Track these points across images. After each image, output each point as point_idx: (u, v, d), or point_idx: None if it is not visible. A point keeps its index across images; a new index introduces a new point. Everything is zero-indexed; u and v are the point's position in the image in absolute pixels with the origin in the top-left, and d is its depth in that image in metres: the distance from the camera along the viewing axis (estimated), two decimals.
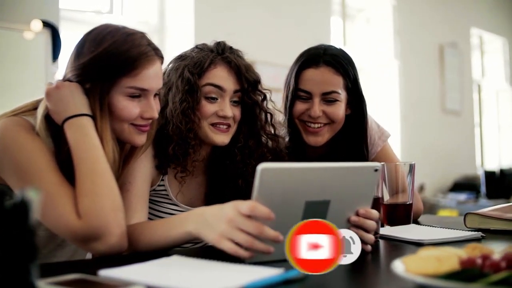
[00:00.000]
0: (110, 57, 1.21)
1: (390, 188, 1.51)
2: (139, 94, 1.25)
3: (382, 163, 1.33)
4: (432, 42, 6.05)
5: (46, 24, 3.32)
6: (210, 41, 1.54)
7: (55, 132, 1.21)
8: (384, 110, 5.75)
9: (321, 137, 1.66)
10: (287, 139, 1.71)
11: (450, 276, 0.72)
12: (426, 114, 5.91)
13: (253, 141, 1.50)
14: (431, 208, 5.55)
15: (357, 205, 1.11)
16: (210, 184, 1.54)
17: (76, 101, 1.20)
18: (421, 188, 5.69)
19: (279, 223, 1.00)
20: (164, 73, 1.49)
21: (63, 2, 3.69)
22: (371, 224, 1.11)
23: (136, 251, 1.17)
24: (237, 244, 0.97)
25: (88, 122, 1.19)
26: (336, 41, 5.23)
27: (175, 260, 0.99)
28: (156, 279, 0.84)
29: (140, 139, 1.30)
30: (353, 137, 1.70)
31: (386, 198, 1.52)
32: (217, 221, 1.00)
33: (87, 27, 4.03)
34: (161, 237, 1.14)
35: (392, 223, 1.49)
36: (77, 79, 1.22)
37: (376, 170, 1.09)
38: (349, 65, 1.66)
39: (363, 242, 1.11)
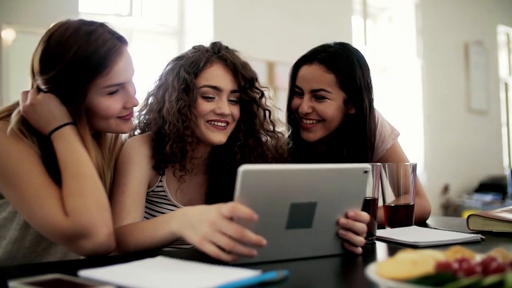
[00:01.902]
0: (78, 65, 1.18)
1: (392, 189, 1.49)
2: (117, 89, 1.25)
3: (379, 163, 1.30)
4: (456, 40, 5.94)
5: None
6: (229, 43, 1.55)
7: (38, 135, 1.21)
8: (407, 110, 5.67)
9: (313, 134, 1.64)
10: (287, 135, 1.71)
11: (420, 280, 0.70)
12: (451, 113, 5.81)
13: (253, 139, 1.50)
14: (456, 209, 5.45)
15: (347, 207, 1.08)
16: (210, 184, 1.53)
17: (55, 113, 1.20)
18: (446, 189, 5.60)
19: (264, 224, 0.99)
20: (161, 74, 1.50)
21: (82, 6, 3.75)
22: (361, 226, 1.09)
23: (126, 252, 1.17)
24: (220, 247, 0.97)
25: (70, 131, 1.20)
26: (357, 41, 5.18)
27: (158, 261, 0.99)
28: (130, 280, 0.84)
29: (128, 126, 1.32)
30: (354, 136, 1.67)
31: (388, 199, 1.49)
32: (199, 223, 0.99)
33: None
34: (148, 238, 1.14)
35: (393, 225, 1.46)
36: (51, 92, 1.21)
37: (365, 172, 1.07)
38: (348, 64, 1.60)
39: (353, 244, 1.10)
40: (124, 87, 1.27)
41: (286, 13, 4.57)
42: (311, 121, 1.63)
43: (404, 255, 0.81)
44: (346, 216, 1.08)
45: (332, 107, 1.61)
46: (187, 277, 0.87)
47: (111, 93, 1.24)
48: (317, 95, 1.61)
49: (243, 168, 0.95)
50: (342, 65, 1.60)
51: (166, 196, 1.47)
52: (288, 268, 0.94)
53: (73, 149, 1.18)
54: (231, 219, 0.97)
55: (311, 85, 1.61)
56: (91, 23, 1.23)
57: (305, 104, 1.61)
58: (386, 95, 5.78)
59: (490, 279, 0.67)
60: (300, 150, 1.69)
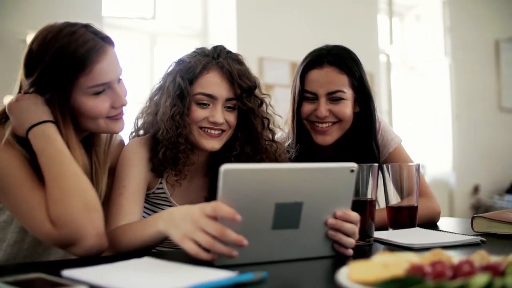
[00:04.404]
0: (59, 65, 1.19)
1: (395, 190, 1.46)
2: (103, 89, 1.24)
3: (376, 164, 1.28)
4: (486, 37, 5.79)
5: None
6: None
7: (27, 142, 1.21)
8: (435, 109, 5.57)
9: (330, 136, 1.64)
10: (289, 142, 1.69)
11: (387, 283, 0.68)
12: (481, 112, 5.66)
13: (250, 147, 1.48)
14: (486, 211, 5.29)
15: (335, 207, 1.07)
16: (211, 187, 1.53)
17: (37, 110, 1.20)
18: (476, 190, 5.47)
19: (249, 224, 0.98)
20: (163, 76, 1.50)
21: (105, 10, 3.81)
22: (350, 227, 1.07)
23: (120, 252, 1.18)
24: (202, 246, 0.96)
25: (51, 128, 1.19)
26: (383, 40, 5.12)
27: (142, 262, 0.99)
28: (106, 279, 0.85)
29: (119, 126, 1.31)
30: (362, 135, 1.67)
31: (391, 200, 1.46)
32: (183, 220, 0.99)
33: (130, 33, 4.13)
34: (138, 237, 1.14)
35: (395, 226, 1.44)
36: (36, 93, 1.22)
37: (352, 171, 1.05)
38: (354, 64, 1.64)
39: (343, 246, 1.08)
40: (110, 86, 1.26)
41: (310, 13, 4.54)
42: (327, 124, 1.63)
43: (378, 258, 0.79)
44: (335, 217, 1.07)
45: (348, 106, 1.63)
46: (163, 277, 0.88)
47: (97, 93, 1.24)
48: (334, 97, 1.61)
49: (224, 167, 0.94)
50: (351, 65, 1.64)
51: (166, 198, 1.48)
52: (270, 269, 0.94)
53: (54, 148, 1.16)
54: (215, 218, 0.96)
55: (327, 88, 1.61)
56: (75, 24, 1.24)
57: (323, 108, 1.61)
58: (414, 94, 5.69)
59: (455, 283, 0.65)
60: (305, 156, 1.67)
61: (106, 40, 1.26)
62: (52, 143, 1.17)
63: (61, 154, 1.17)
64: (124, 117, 1.33)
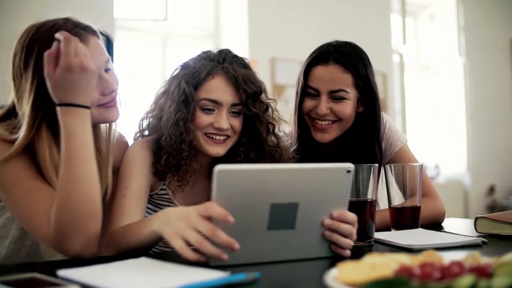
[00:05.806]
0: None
1: (398, 190, 1.45)
2: None
3: (376, 164, 1.27)
4: (501, 36, 5.73)
5: (100, 34, 3.46)
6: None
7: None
8: (449, 109, 5.52)
9: (328, 134, 1.63)
10: (294, 147, 1.68)
11: (371, 284, 0.68)
12: (496, 112, 5.60)
13: (255, 153, 1.47)
14: (502, 211, 5.23)
15: (331, 208, 1.06)
16: None
17: (89, 91, 1.15)
18: (492, 190, 5.41)
19: (244, 225, 0.98)
20: (169, 79, 1.50)
21: (117, 12, 3.84)
22: (347, 228, 1.06)
23: (120, 252, 1.19)
24: (192, 246, 0.96)
25: (88, 116, 1.15)
26: (396, 40, 5.09)
27: (138, 262, 1.00)
28: (98, 279, 0.85)
29: (113, 114, 1.29)
30: (365, 135, 1.66)
31: (394, 200, 1.45)
32: (177, 220, 0.99)
33: (142, 34, 4.13)
34: (135, 238, 1.15)
35: (398, 227, 1.42)
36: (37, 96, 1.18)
37: (348, 172, 1.04)
38: (361, 63, 1.61)
39: (340, 247, 1.08)
40: (98, 74, 1.22)
41: (322, 13, 4.53)
42: (327, 122, 1.62)
43: (368, 259, 0.79)
44: (331, 217, 1.06)
45: (350, 106, 1.61)
46: (154, 277, 0.88)
47: None
48: (336, 96, 1.60)
49: (218, 168, 0.94)
50: (357, 64, 1.61)
51: (169, 199, 1.48)
52: (265, 270, 0.93)
53: (80, 141, 1.12)
54: (210, 219, 0.96)
55: (329, 86, 1.59)
56: (55, 18, 1.23)
57: (324, 105, 1.59)
58: (428, 94, 5.64)
59: (440, 284, 0.64)
60: (306, 153, 1.66)
61: (87, 30, 1.25)
62: (82, 133, 1.13)
63: (84, 150, 1.12)
64: (118, 105, 1.30)
